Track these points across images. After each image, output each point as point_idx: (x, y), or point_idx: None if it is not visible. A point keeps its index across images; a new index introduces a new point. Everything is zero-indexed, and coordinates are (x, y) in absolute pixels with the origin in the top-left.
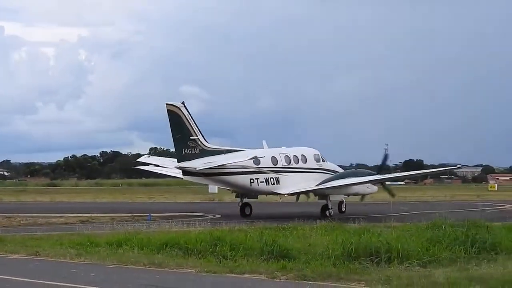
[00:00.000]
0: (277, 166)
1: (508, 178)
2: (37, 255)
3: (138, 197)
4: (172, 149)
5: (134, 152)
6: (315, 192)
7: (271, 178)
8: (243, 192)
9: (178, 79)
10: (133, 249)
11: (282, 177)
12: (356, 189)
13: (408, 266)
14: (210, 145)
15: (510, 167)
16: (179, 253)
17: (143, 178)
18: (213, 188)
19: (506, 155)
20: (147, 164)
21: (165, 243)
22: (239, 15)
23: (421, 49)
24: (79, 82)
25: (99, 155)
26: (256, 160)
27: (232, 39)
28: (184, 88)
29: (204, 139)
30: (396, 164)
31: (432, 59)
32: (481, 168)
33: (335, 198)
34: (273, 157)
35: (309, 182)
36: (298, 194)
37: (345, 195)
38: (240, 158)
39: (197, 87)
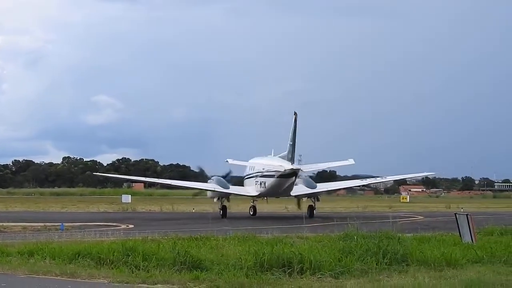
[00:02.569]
0: None
1: (420, 189)
2: None
3: (50, 207)
4: (86, 158)
5: (47, 161)
6: None
7: None
8: None
9: (91, 88)
10: (45, 259)
11: None
12: None
13: (320, 277)
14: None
15: (422, 178)
16: (91, 263)
17: (56, 187)
18: (127, 197)
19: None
20: None
21: (78, 253)
22: (154, 23)
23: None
24: None
25: (11, 164)
26: None
27: (147, 48)
28: (98, 97)
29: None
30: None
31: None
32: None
33: None
34: None
35: None
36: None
37: None
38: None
39: (110, 96)
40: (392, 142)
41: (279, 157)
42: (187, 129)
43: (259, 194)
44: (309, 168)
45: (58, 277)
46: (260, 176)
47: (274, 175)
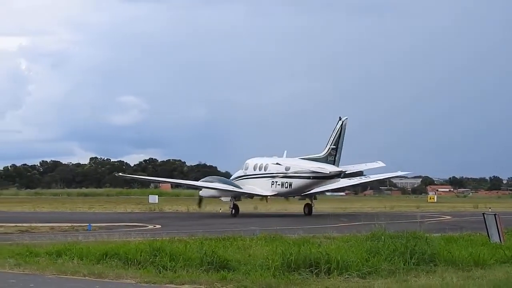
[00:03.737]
0: None
1: (447, 189)
2: None
3: (78, 207)
4: (113, 159)
5: (74, 162)
6: None
7: None
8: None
9: (117, 88)
10: (73, 259)
11: None
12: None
13: (347, 277)
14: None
15: (450, 178)
16: (119, 264)
17: (83, 188)
18: (154, 198)
19: (445, 166)
20: None
21: (105, 253)
22: (177, 23)
23: (356, 61)
24: (19, 91)
25: (39, 165)
26: None
27: (171, 48)
28: (124, 98)
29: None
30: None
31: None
32: (420, 179)
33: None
34: None
35: None
36: None
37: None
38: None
39: (136, 96)
40: (414, 139)
41: (306, 158)
42: (211, 129)
43: (276, 194)
44: (346, 169)
45: (86, 277)
46: (283, 177)
47: (310, 176)
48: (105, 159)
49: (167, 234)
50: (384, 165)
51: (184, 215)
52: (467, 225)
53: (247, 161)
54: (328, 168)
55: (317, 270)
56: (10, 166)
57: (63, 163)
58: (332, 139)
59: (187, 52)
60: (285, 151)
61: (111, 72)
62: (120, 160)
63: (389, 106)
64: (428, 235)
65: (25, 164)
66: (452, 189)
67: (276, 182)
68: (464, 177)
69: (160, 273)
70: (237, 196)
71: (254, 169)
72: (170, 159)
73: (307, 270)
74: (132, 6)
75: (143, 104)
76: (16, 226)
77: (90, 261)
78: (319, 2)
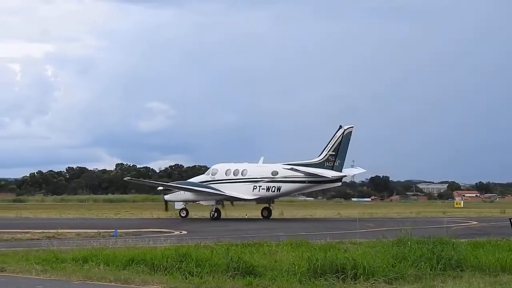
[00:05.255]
0: None
1: (474, 194)
2: (2, 271)
3: (104, 213)
4: (139, 165)
5: (100, 168)
6: None
7: None
8: None
9: (143, 94)
10: (99, 265)
11: None
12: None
13: (374, 283)
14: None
15: (476, 183)
16: (145, 269)
17: (109, 194)
18: (179, 204)
19: (472, 171)
20: None
21: (131, 259)
22: (202, 29)
23: (387, 65)
24: (45, 98)
25: (65, 171)
26: None
27: (196, 54)
28: (149, 104)
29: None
30: (362, 181)
31: (399, 76)
32: (447, 184)
33: None
34: None
35: None
36: None
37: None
38: None
39: (161, 103)
40: (440, 145)
41: (300, 164)
42: (237, 134)
43: (258, 198)
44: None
45: (112, 283)
46: (269, 181)
47: (304, 181)
48: (131, 165)
49: (193, 239)
50: (365, 170)
51: (209, 221)
52: (494, 230)
53: (214, 166)
54: (328, 173)
55: (343, 276)
56: (37, 173)
57: (89, 169)
58: (330, 146)
59: (213, 58)
60: (262, 157)
61: (137, 78)
62: (146, 166)
63: (415, 111)
64: (454, 240)
65: (52, 171)
66: (478, 194)
67: (260, 186)
68: (490, 182)
69: (186, 279)
70: (222, 199)
71: (227, 174)
72: (196, 165)
73: (333, 275)
74: (158, 12)
75: (169, 110)
76: (42, 232)
77: (116, 267)
78: (346, 9)
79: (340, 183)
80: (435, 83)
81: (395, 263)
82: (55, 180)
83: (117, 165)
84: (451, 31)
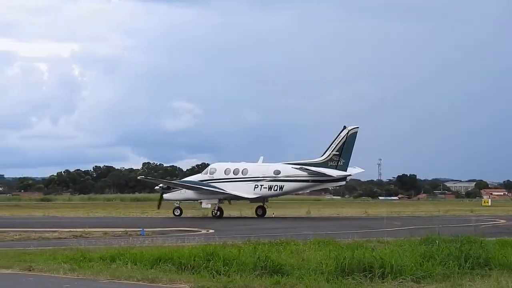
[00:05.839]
0: None
1: (501, 193)
2: (30, 270)
3: (131, 212)
4: (166, 164)
5: (127, 167)
6: None
7: None
8: None
9: (169, 93)
10: (127, 264)
11: None
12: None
13: (401, 282)
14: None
15: (504, 182)
16: (172, 268)
17: (136, 193)
18: (206, 203)
19: (500, 170)
20: None
21: (159, 258)
22: (227, 28)
23: (414, 64)
24: (72, 97)
25: (92, 170)
26: None
27: (221, 53)
28: (176, 103)
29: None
30: (389, 179)
31: (426, 75)
32: (474, 183)
33: None
34: None
35: None
36: None
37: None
38: None
39: (188, 102)
40: (468, 143)
41: (303, 163)
42: (264, 133)
43: (259, 197)
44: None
45: (140, 282)
46: (271, 180)
47: (308, 180)
48: (158, 164)
49: (220, 238)
50: (363, 170)
51: (236, 219)
52: None
53: (212, 166)
54: (333, 172)
55: (371, 275)
56: (64, 172)
57: (116, 168)
58: (334, 145)
59: (239, 57)
60: (261, 157)
61: (164, 77)
62: (173, 165)
63: (442, 109)
64: (482, 239)
65: (79, 170)
66: (506, 193)
67: (261, 185)
68: None
69: (213, 278)
70: (225, 198)
71: (226, 173)
72: None
73: (361, 274)
74: (183, 11)
75: (196, 109)
76: (70, 231)
77: (143, 266)
78: (371, 6)
79: (344, 182)
80: (462, 80)
81: (423, 261)
82: (82, 179)
83: (144, 164)
84: (475, 29)
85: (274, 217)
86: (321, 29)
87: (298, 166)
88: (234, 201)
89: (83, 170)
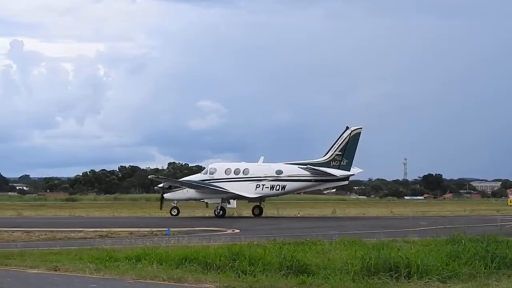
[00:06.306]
0: None
1: None
2: (56, 270)
3: (156, 212)
4: (191, 164)
5: (152, 167)
6: None
7: None
8: None
9: (194, 93)
10: (152, 263)
11: None
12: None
13: (427, 282)
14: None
15: None
16: (198, 268)
17: None
18: (232, 202)
19: None
20: None
21: (184, 258)
22: (253, 28)
23: (439, 63)
24: (98, 97)
25: (117, 170)
26: None
27: (247, 52)
28: (201, 103)
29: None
30: (415, 179)
31: (451, 75)
32: (500, 182)
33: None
34: None
35: None
36: None
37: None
38: None
39: (213, 101)
40: (493, 142)
41: (305, 163)
42: (290, 133)
43: (260, 197)
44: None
45: (165, 282)
46: (273, 180)
47: (311, 179)
48: (183, 164)
49: (246, 238)
50: (362, 170)
51: (262, 219)
52: None
53: (212, 166)
54: (336, 172)
55: (397, 274)
56: (89, 172)
57: (142, 168)
58: (336, 146)
59: (264, 57)
60: (262, 157)
61: (189, 77)
62: (198, 165)
63: (468, 109)
64: (509, 238)
65: (104, 170)
66: None
67: (263, 184)
68: None
69: (239, 278)
70: (229, 198)
71: (226, 173)
72: None
73: (387, 274)
74: (210, 12)
75: (221, 109)
76: (95, 231)
77: (169, 266)
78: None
79: (347, 181)
80: (488, 79)
81: (449, 261)
82: (107, 179)
83: (169, 164)
84: (503, 27)
85: (300, 217)
86: (350, 28)
87: (304, 166)
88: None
89: (108, 170)
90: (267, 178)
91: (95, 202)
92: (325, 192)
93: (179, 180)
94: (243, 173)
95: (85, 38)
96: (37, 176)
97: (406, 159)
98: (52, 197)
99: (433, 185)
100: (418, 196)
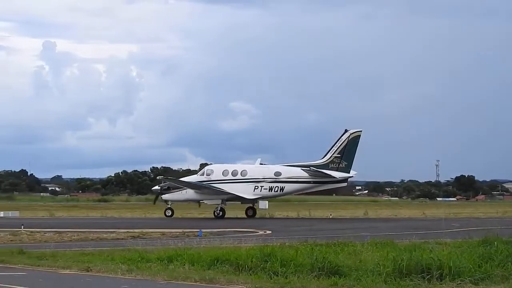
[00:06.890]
0: None
1: None
2: (88, 271)
3: (188, 213)
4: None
5: (184, 168)
6: None
7: None
8: None
9: (226, 94)
10: (184, 265)
11: None
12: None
13: (459, 283)
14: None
15: None
16: (229, 269)
17: None
18: (264, 203)
19: None
20: None
21: (216, 259)
22: (286, 29)
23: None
24: (130, 98)
25: (149, 171)
26: None
27: (278, 55)
28: (233, 103)
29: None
30: (447, 180)
31: (485, 75)
32: None
33: None
34: None
35: None
36: None
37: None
38: None
39: (245, 102)
40: None
41: (304, 164)
42: (322, 133)
43: (258, 198)
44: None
45: (197, 283)
46: (272, 182)
47: (309, 181)
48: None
49: (278, 239)
50: (355, 172)
51: (294, 220)
52: None
53: (209, 167)
54: (336, 174)
55: (429, 276)
56: (121, 173)
57: (174, 169)
58: (335, 148)
59: (295, 57)
60: (259, 159)
61: (221, 78)
62: None
63: (501, 112)
64: None
65: (136, 171)
66: None
67: (261, 186)
68: None
69: (271, 279)
70: (226, 199)
71: (224, 175)
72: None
73: (419, 276)
74: (241, 13)
75: (252, 110)
76: (127, 232)
77: (201, 267)
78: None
79: (346, 183)
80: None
81: (481, 263)
82: (139, 180)
83: (201, 165)
84: None
85: (332, 218)
86: (385, 28)
87: (307, 168)
88: (229, 203)
89: (140, 171)
90: (265, 179)
91: (127, 203)
92: (357, 194)
93: (180, 180)
94: (241, 174)
95: (117, 39)
96: (69, 177)
97: (438, 161)
98: (84, 198)
99: (465, 186)
100: (451, 197)
